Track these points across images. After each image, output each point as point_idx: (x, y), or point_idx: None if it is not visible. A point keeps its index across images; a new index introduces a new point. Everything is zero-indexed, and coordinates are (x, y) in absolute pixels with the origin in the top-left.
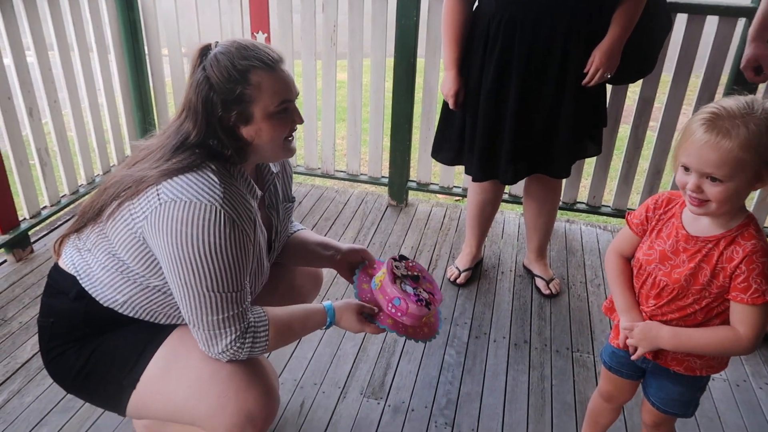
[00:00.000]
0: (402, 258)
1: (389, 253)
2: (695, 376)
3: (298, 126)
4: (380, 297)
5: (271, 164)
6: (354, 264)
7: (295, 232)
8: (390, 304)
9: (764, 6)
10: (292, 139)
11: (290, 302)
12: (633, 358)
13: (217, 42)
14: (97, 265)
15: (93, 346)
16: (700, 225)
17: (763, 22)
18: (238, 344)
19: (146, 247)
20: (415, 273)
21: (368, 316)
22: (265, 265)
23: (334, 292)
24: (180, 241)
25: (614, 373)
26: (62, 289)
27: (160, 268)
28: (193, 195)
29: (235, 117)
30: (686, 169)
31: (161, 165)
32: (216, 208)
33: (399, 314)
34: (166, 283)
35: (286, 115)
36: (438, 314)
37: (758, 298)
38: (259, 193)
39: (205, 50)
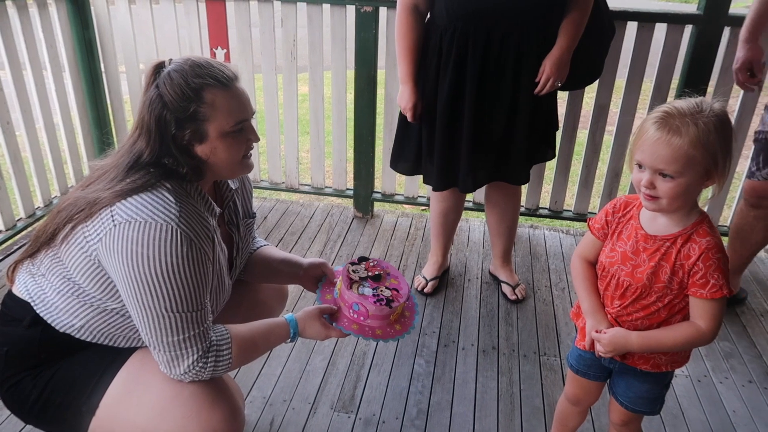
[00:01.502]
0: (362, 260)
1: None
2: (660, 372)
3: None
4: (341, 305)
5: (229, 181)
6: (318, 278)
7: (258, 248)
8: (350, 310)
9: (756, 7)
10: (250, 155)
11: (255, 318)
12: (604, 356)
13: (171, 59)
14: (52, 290)
15: (50, 373)
16: (657, 225)
17: (755, 23)
18: (200, 364)
19: (102, 270)
20: (377, 272)
21: (328, 317)
22: (227, 283)
23: (303, 305)
24: (136, 262)
25: (581, 375)
26: (16, 317)
27: (117, 290)
28: (148, 215)
29: (189, 135)
30: (640, 166)
31: (115, 186)
32: (172, 227)
33: (362, 318)
34: (124, 305)
35: (242, 135)
36: (414, 306)
37: (716, 293)
38: (217, 210)
39: (159, 67)
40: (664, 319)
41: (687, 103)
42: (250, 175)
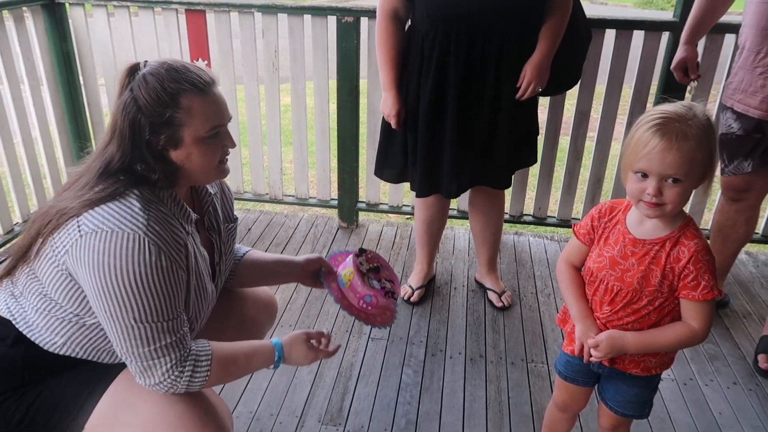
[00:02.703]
0: (362, 252)
1: None
2: (649, 376)
3: (232, 149)
4: (350, 295)
5: (208, 186)
6: (315, 272)
7: (244, 254)
8: (362, 302)
9: (695, 12)
10: (226, 161)
11: (243, 336)
12: (599, 360)
13: (147, 61)
14: (31, 308)
15: (34, 393)
16: (644, 228)
17: (693, 27)
18: (175, 373)
19: (74, 283)
20: (375, 264)
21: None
22: (209, 289)
23: (288, 318)
24: (103, 272)
25: (569, 381)
26: None
27: (87, 303)
28: (114, 224)
29: (164, 141)
30: (644, 175)
31: (84, 194)
32: (139, 236)
33: (370, 309)
34: (97, 322)
35: (218, 140)
36: (399, 287)
37: (708, 294)
38: (194, 216)
39: (133, 70)
40: (654, 322)
41: (677, 107)
42: (233, 187)
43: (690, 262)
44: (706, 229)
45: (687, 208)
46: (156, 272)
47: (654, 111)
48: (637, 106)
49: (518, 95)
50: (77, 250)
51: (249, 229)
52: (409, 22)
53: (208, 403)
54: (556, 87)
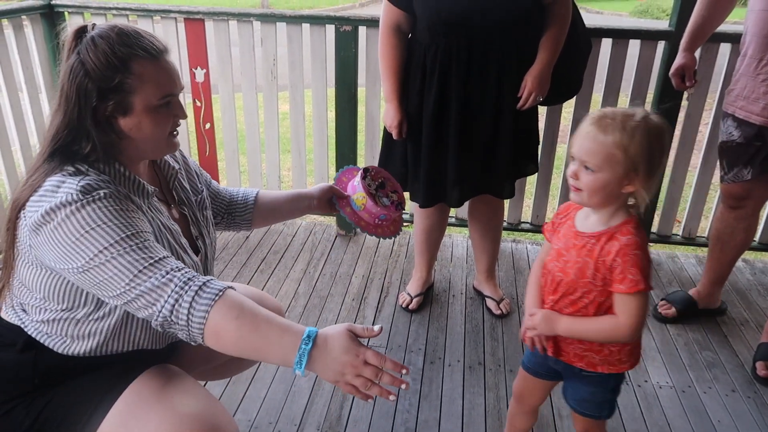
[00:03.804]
0: (366, 172)
1: (340, 284)
2: (603, 375)
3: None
4: (365, 216)
5: (170, 160)
6: (330, 200)
7: (256, 195)
8: (377, 220)
9: (694, 20)
10: (177, 133)
11: (235, 362)
12: (533, 336)
13: (95, 24)
14: (34, 317)
15: (43, 401)
16: (587, 223)
17: (693, 34)
18: (178, 287)
19: (52, 276)
20: (380, 179)
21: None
22: (188, 262)
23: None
24: (57, 236)
25: (531, 373)
26: (8, 341)
27: (77, 294)
28: (50, 199)
29: (111, 107)
30: (573, 158)
31: (27, 180)
32: (71, 192)
33: (384, 224)
34: (94, 308)
35: (169, 110)
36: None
37: (633, 287)
38: (150, 188)
39: (80, 32)
40: (592, 315)
41: (624, 109)
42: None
43: (618, 254)
44: (703, 237)
45: (684, 216)
46: (96, 204)
47: (603, 108)
48: None
49: (519, 105)
50: (34, 240)
51: (247, 237)
52: (410, 34)
53: (220, 420)
54: (556, 97)
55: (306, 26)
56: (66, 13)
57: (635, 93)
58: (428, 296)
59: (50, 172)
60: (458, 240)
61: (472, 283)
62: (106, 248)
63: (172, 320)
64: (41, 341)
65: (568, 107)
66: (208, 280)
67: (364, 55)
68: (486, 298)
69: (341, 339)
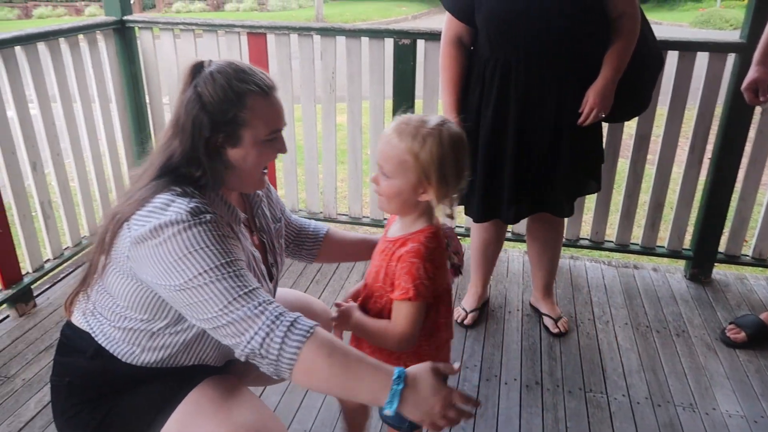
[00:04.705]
0: None
1: None
2: None
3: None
4: None
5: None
6: None
7: (326, 232)
8: None
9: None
10: (266, 171)
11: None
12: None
13: (211, 60)
14: (106, 322)
15: (108, 407)
16: (392, 229)
17: (765, 47)
18: (268, 322)
19: (142, 288)
20: (446, 240)
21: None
22: (266, 287)
23: None
24: (160, 255)
25: None
26: (78, 348)
27: (162, 306)
28: (159, 215)
29: (222, 138)
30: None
31: (133, 195)
32: (181, 212)
33: None
34: (172, 321)
35: (274, 144)
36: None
37: (402, 295)
38: (241, 215)
39: (198, 67)
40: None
41: (420, 116)
42: (288, 204)
43: (399, 260)
44: (747, 256)
45: (754, 236)
46: (203, 227)
47: (407, 114)
48: (701, 129)
49: (580, 121)
50: (134, 251)
51: None
52: (472, 47)
53: (273, 431)
54: (621, 114)
55: (365, 39)
56: (136, 29)
57: (703, 107)
58: (483, 312)
59: (159, 190)
60: (514, 255)
61: (529, 300)
62: (205, 271)
63: (261, 353)
64: (109, 349)
65: (631, 121)
66: (297, 317)
67: (422, 68)
68: (543, 316)
69: (429, 379)
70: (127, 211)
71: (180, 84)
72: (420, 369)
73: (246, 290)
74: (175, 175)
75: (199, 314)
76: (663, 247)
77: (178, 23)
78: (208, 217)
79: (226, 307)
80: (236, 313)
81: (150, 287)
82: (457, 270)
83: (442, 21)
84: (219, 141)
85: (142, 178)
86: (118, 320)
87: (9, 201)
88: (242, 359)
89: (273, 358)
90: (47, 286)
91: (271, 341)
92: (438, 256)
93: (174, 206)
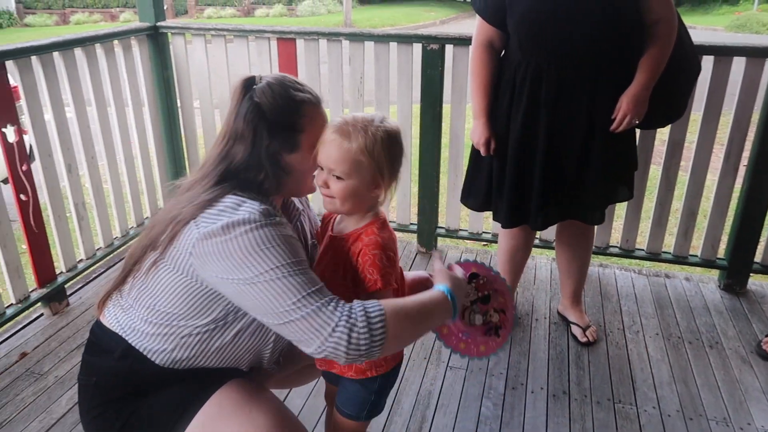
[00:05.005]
0: (472, 277)
1: None
2: (366, 378)
3: None
4: (451, 324)
5: (295, 200)
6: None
7: None
8: (461, 335)
9: None
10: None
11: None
12: None
13: (261, 76)
14: (140, 319)
15: (132, 407)
16: (340, 226)
17: None
18: (345, 317)
19: (197, 287)
20: (486, 292)
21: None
22: None
23: None
24: (228, 251)
25: (324, 378)
26: (107, 348)
27: (209, 304)
28: (230, 214)
29: (279, 144)
30: (321, 168)
31: (195, 200)
32: (253, 213)
33: (468, 341)
34: (213, 322)
35: None
36: (512, 316)
37: (372, 286)
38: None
39: (250, 81)
40: None
41: (363, 114)
42: (315, 209)
43: (359, 255)
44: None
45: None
46: (275, 228)
47: (349, 113)
48: (737, 136)
49: (612, 127)
50: (201, 247)
51: None
52: (503, 51)
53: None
54: (655, 120)
55: (393, 45)
56: (169, 34)
57: (739, 113)
58: None
59: (225, 193)
60: (542, 262)
61: (557, 308)
62: (277, 267)
63: (349, 350)
64: (139, 347)
65: (664, 127)
66: (363, 304)
67: (450, 73)
68: (571, 325)
69: (456, 278)
70: (191, 212)
71: (233, 98)
72: (450, 276)
73: (317, 287)
74: (238, 180)
75: (270, 308)
76: (696, 256)
77: (209, 29)
78: (278, 219)
79: (299, 301)
80: (310, 308)
81: (206, 283)
82: (491, 331)
83: (470, 26)
84: (277, 146)
85: (201, 184)
86: (155, 316)
87: (45, 202)
88: (316, 355)
89: (365, 349)
90: (80, 286)
91: (358, 335)
92: (392, 244)
93: (245, 206)
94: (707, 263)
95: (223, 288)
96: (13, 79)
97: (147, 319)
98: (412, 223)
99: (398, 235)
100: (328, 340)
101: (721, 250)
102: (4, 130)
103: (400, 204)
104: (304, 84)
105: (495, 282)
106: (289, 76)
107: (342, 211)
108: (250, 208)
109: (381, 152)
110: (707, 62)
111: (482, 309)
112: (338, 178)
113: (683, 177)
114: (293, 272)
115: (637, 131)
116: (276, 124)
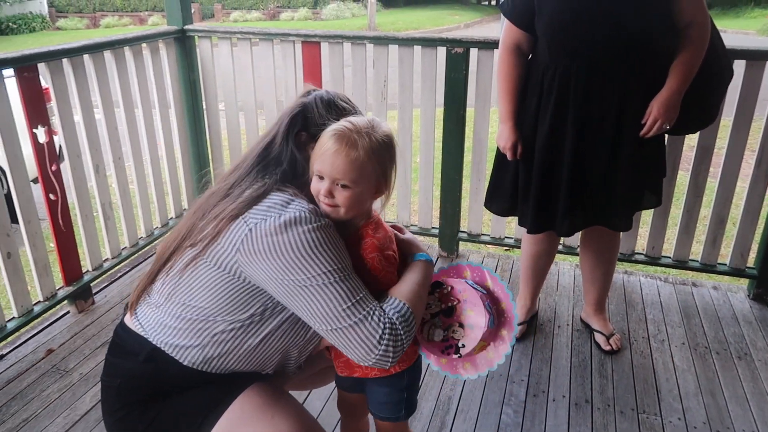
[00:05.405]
0: (435, 286)
1: None
2: (393, 376)
3: None
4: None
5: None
6: None
7: None
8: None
9: None
10: None
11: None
12: None
13: (316, 89)
14: (169, 315)
15: (156, 409)
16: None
17: None
18: (388, 323)
19: (238, 283)
20: (450, 303)
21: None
22: None
23: None
24: (278, 249)
25: (340, 388)
26: (131, 350)
27: (248, 299)
28: (280, 210)
29: (308, 136)
30: (320, 177)
31: (238, 197)
32: (305, 212)
33: (430, 356)
34: (249, 320)
35: None
36: (512, 321)
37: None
38: None
39: (307, 92)
40: None
41: (362, 120)
42: None
43: (357, 260)
44: None
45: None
46: (325, 232)
47: (342, 120)
48: None
49: (642, 132)
50: (249, 244)
51: None
52: (531, 55)
53: None
54: (686, 126)
55: (417, 48)
56: (196, 37)
57: None
58: (532, 325)
59: (270, 190)
60: (565, 268)
61: (580, 315)
62: (329, 271)
63: (395, 356)
64: (166, 350)
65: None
66: (392, 309)
67: (474, 77)
68: (594, 332)
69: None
70: (237, 209)
71: (290, 104)
72: (419, 243)
73: (363, 293)
74: (276, 172)
75: (320, 313)
76: (725, 264)
77: (235, 32)
78: (328, 221)
79: (349, 309)
80: (358, 316)
81: (249, 279)
82: (456, 350)
83: (494, 29)
84: (305, 137)
85: (241, 177)
86: (188, 311)
87: (73, 201)
88: (363, 363)
89: (400, 351)
90: (105, 285)
91: (403, 340)
92: (388, 243)
93: (294, 205)
94: (736, 272)
95: (270, 286)
96: (45, 81)
97: (179, 315)
98: (434, 227)
99: (420, 238)
100: (377, 348)
101: (751, 259)
102: (35, 130)
103: (422, 207)
104: (352, 101)
105: (466, 291)
106: (343, 93)
107: (345, 218)
108: (299, 206)
109: (384, 156)
110: (739, 66)
111: (445, 323)
112: (344, 186)
113: (712, 183)
114: (343, 278)
115: (666, 137)
116: (312, 118)
